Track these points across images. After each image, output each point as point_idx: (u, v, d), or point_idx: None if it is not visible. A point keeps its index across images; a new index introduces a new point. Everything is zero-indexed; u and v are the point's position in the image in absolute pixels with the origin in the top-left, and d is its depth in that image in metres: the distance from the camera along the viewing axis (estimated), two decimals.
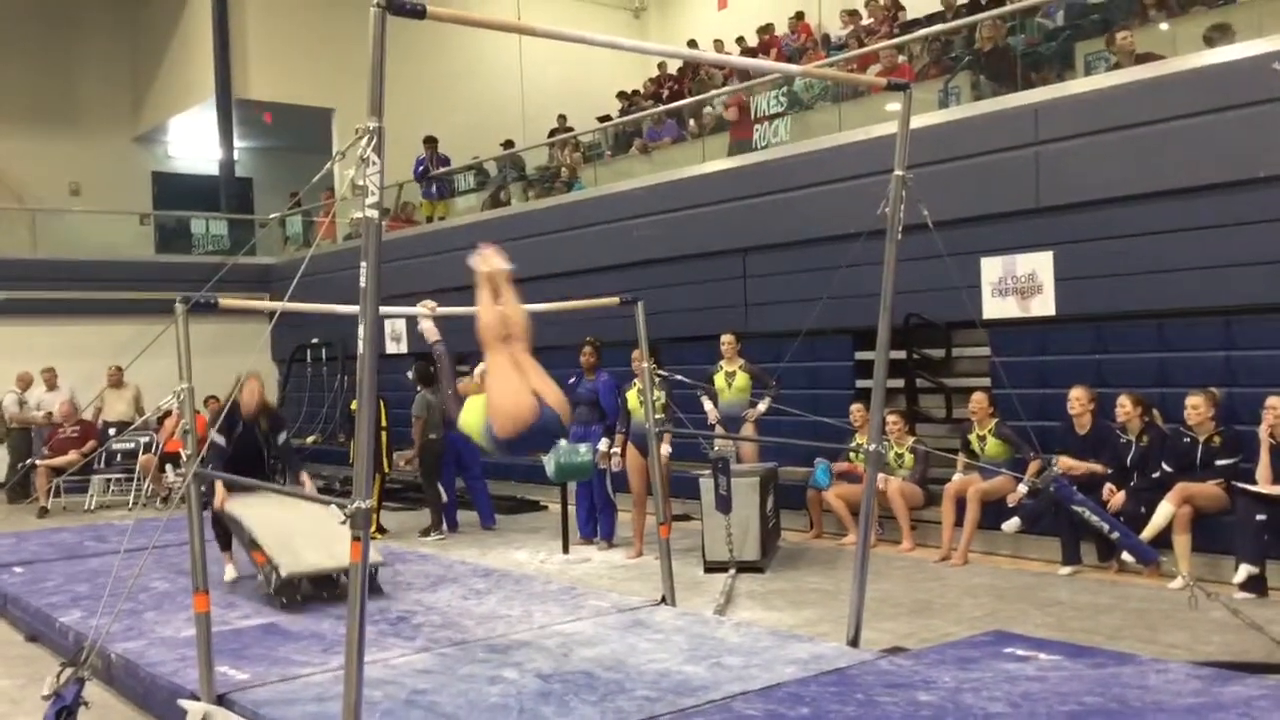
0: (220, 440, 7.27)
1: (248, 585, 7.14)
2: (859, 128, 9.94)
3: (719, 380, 9.01)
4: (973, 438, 8.17)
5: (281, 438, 7.66)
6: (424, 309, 5.65)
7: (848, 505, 8.71)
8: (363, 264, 3.64)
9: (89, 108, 20.14)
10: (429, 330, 5.31)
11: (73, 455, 12.48)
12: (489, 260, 4.87)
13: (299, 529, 6.83)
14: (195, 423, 4.80)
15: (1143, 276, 7.86)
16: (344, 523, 3.64)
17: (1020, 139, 8.45)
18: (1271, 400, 6.78)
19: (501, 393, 4.49)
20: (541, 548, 9.17)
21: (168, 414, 10.42)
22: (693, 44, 16.56)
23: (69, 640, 5.88)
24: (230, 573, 7.46)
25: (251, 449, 7.59)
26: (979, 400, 8.10)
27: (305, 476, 7.60)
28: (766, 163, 10.62)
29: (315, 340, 16.45)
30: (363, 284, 3.63)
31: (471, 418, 4.67)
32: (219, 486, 7.13)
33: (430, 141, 16.22)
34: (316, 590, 6.66)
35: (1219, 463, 7.01)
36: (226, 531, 7.46)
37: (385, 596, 6.77)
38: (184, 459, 4.83)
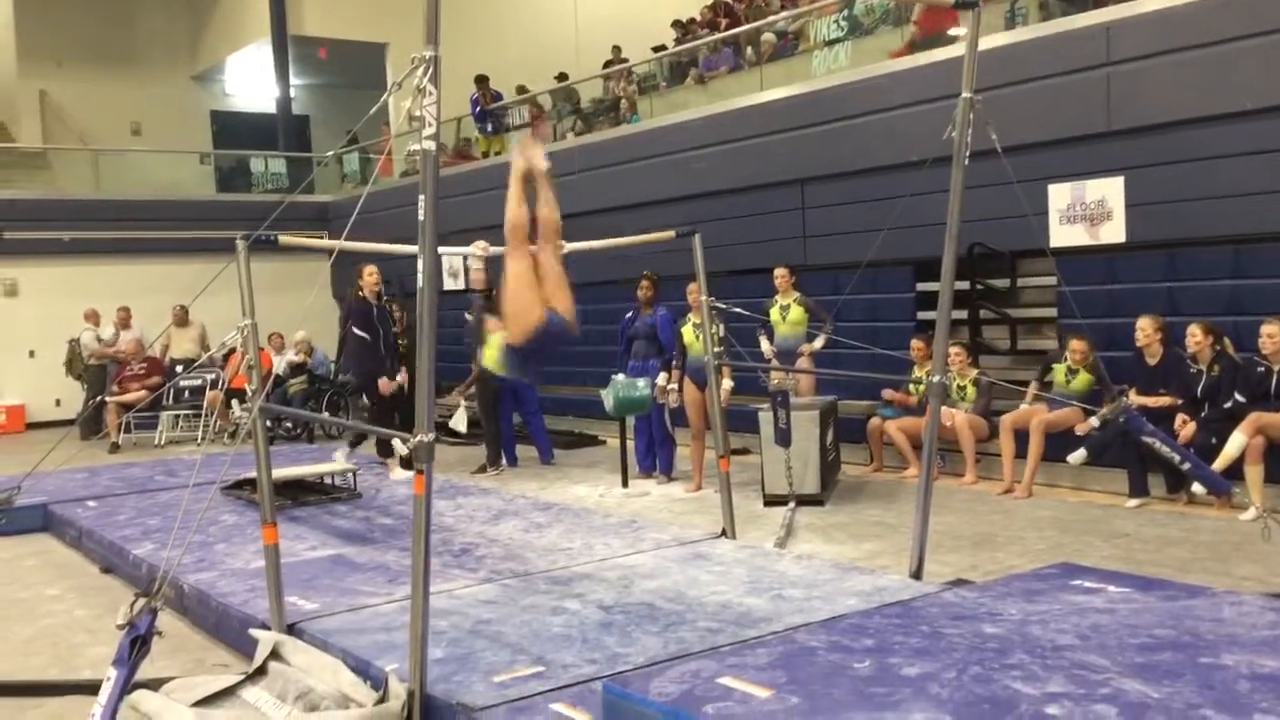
0: (365, 335, 8.99)
1: (314, 519, 7.27)
2: (920, 52, 9.68)
3: (774, 314, 8.93)
4: (1060, 369, 7.95)
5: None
6: (477, 249, 5.63)
7: (909, 438, 8.63)
8: (421, 197, 3.61)
9: (148, 48, 20.27)
10: (477, 277, 5.32)
11: (141, 392, 12.74)
12: (528, 153, 4.60)
13: None
14: (259, 359, 4.84)
15: (1217, 201, 7.60)
16: (406, 457, 3.66)
17: (1091, 60, 8.16)
18: None
19: (514, 300, 4.40)
20: (600, 482, 9.21)
21: (232, 351, 10.59)
22: None
23: (142, 572, 6.03)
24: (397, 473, 8.74)
25: (386, 326, 9.17)
26: (1079, 349, 7.75)
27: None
28: (826, 90, 10.38)
29: None
30: (421, 218, 3.61)
31: (491, 351, 4.66)
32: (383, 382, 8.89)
33: (481, 80, 16.09)
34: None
35: None
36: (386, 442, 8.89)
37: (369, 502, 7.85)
38: (249, 394, 4.87)
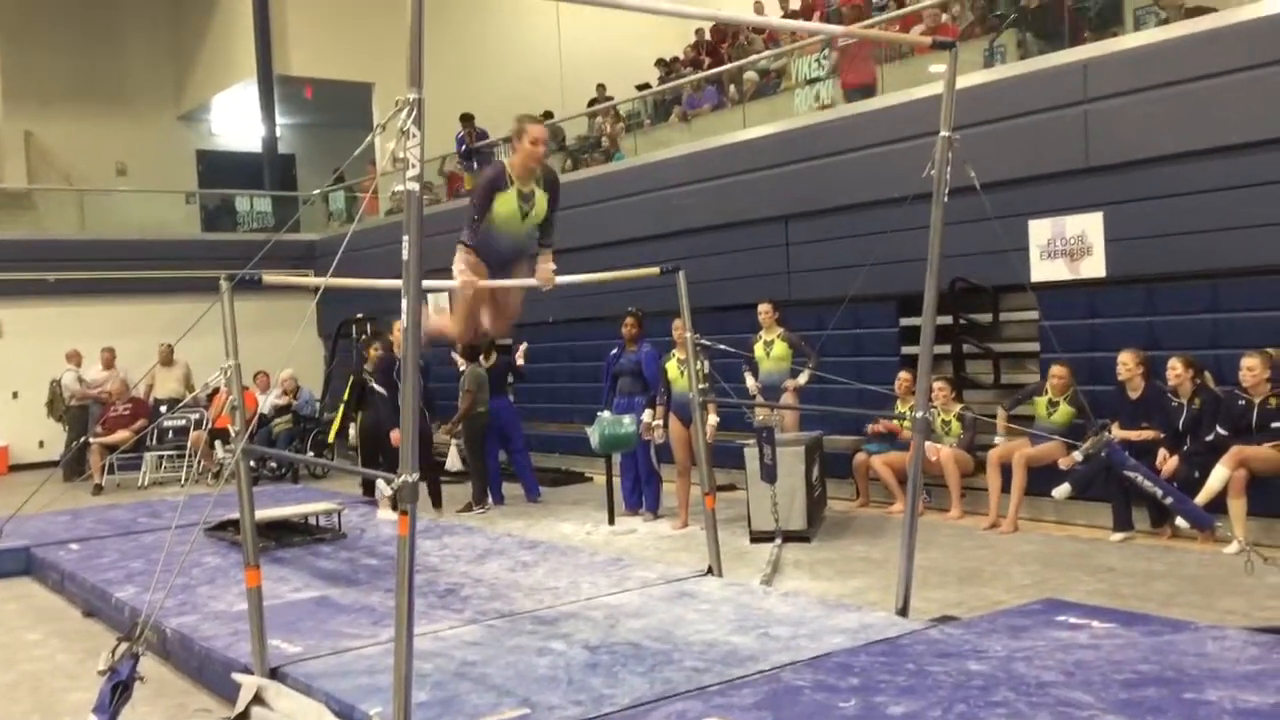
0: (383, 391, 9.23)
1: (298, 560, 7.22)
2: (901, 90, 9.79)
3: (758, 349, 8.96)
4: (1041, 402, 8.00)
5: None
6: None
7: (894, 473, 8.64)
8: (405, 237, 3.63)
9: (133, 88, 20.33)
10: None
11: (125, 433, 12.67)
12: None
13: None
14: (243, 399, 4.83)
15: (1196, 235, 7.68)
16: (390, 496, 3.66)
17: (1069, 97, 8.27)
18: None
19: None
20: (587, 519, 9.18)
21: (216, 391, 10.56)
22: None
23: (124, 615, 5.97)
24: (385, 513, 8.67)
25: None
26: (1060, 374, 7.83)
27: None
28: (808, 128, 10.48)
29: (360, 316, 16.56)
30: (405, 257, 3.62)
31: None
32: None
33: (466, 119, 16.20)
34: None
35: (1275, 425, 6.87)
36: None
37: (357, 544, 7.68)
38: (233, 435, 4.86)
